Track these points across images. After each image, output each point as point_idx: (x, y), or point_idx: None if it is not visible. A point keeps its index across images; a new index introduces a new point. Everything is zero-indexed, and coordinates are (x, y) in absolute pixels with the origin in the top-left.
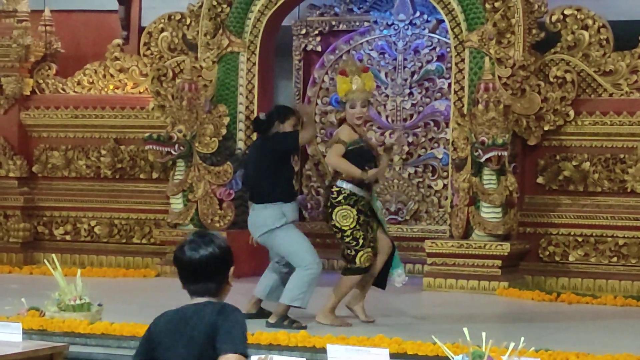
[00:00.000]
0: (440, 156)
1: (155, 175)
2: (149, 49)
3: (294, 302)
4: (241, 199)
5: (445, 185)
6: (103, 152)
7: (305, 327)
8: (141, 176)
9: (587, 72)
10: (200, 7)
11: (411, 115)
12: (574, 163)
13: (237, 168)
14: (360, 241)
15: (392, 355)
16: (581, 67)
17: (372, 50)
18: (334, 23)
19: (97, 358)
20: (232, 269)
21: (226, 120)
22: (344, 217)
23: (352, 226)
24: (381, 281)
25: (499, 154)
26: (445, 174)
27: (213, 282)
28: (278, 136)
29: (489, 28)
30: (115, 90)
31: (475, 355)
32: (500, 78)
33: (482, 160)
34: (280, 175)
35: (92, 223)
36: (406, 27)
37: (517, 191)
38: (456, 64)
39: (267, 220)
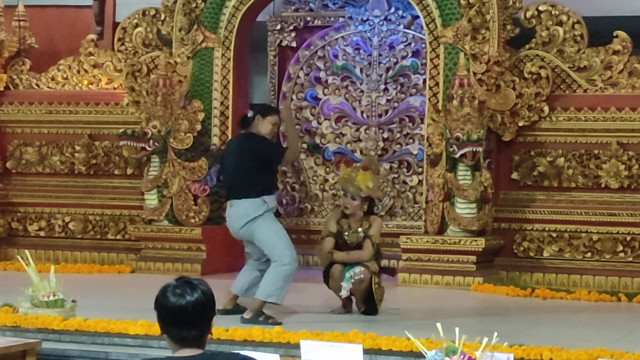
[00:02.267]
0: (415, 152)
1: (129, 171)
2: (123, 44)
3: (269, 298)
4: (216, 195)
5: (420, 181)
6: (77, 148)
7: (280, 323)
8: (116, 172)
9: (561, 68)
10: (175, 2)
11: (386, 111)
12: (549, 159)
13: (212, 164)
14: None
15: (366, 351)
16: (556, 63)
17: (347, 45)
18: (308, 19)
19: (71, 354)
20: (214, 318)
21: (201, 116)
22: None
23: None
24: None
25: (474, 149)
26: (420, 169)
27: (198, 329)
28: (265, 144)
29: (463, 24)
30: (90, 86)
31: (449, 350)
32: (475, 74)
33: (457, 156)
34: (261, 174)
35: (67, 219)
36: (381, 23)
37: (491, 187)
38: (431, 59)
39: (249, 210)
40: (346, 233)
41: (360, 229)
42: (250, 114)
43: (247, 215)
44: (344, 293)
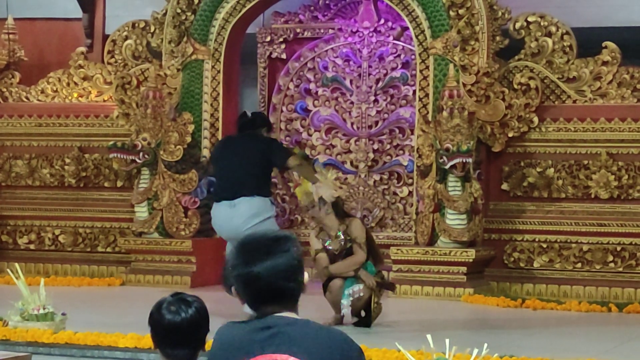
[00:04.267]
0: (405, 163)
1: (119, 184)
2: (113, 56)
3: None
4: (206, 207)
5: (410, 192)
6: (67, 160)
7: None
8: (106, 184)
9: (550, 79)
10: (165, 14)
11: (376, 122)
12: (538, 169)
13: (203, 176)
14: None
15: None
16: (545, 73)
17: (336, 57)
18: (298, 30)
19: None
20: (207, 334)
21: (191, 128)
22: None
23: None
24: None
25: (464, 160)
26: (410, 180)
27: (191, 346)
28: (274, 146)
29: (453, 35)
30: (79, 99)
31: None
32: (464, 85)
33: (447, 167)
34: (266, 174)
35: (57, 232)
36: (371, 35)
37: (481, 198)
38: (421, 71)
39: (261, 209)
40: (328, 242)
41: (339, 234)
42: (249, 114)
43: (258, 215)
44: (345, 312)
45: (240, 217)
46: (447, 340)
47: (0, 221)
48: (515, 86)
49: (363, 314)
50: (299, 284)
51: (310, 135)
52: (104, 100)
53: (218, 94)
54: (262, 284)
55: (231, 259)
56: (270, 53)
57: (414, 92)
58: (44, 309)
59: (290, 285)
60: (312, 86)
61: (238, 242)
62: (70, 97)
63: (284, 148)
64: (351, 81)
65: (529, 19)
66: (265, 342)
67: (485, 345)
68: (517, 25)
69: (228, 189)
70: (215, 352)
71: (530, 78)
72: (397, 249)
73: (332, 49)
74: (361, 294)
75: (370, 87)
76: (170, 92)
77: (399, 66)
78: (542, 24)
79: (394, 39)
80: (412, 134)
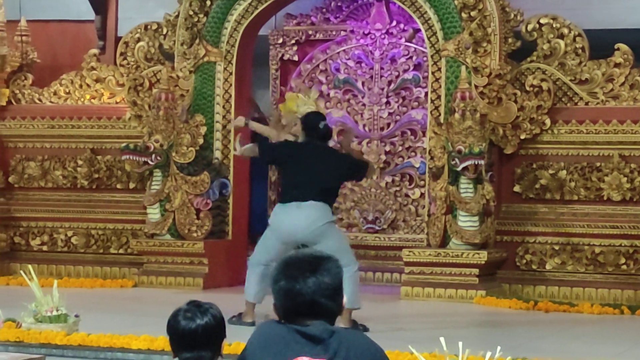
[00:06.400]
0: (417, 165)
1: (132, 185)
2: (125, 58)
3: (356, 304)
4: (218, 209)
5: (422, 194)
6: (80, 162)
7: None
8: (118, 186)
9: (563, 81)
10: (177, 16)
11: (388, 124)
12: (551, 171)
13: (215, 177)
14: None
15: None
16: (557, 75)
17: (348, 59)
18: (310, 32)
19: None
20: (224, 341)
21: (203, 130)
22: None
23: None
24: None
25: (476, 162)
26: (422, 182)
27: (208, 353)
28: (354, 160)
29: (465, 37)
30: (92, 100)
31: None
32: (476, 87)
33: (459, 169)
34: (339, 185)
35: (69, 233)
36: (383, 36)
37: (494, 200)
38: (433, 72)
39: (327, 213)
40: None
41: None
42: (322, 125)
43: (327, 217)
44: None
45: (301, 217)
46: (460, 343)
47: (13, 223)
48: (528, 88)
49: None
50: (338, 305)
51: None
52: (117, 102)
53: (230, 95)
54: (304, 300)
55: (274, 273)
56: (282, 55)
57: (426, 94)
58: (57, 310)
59: (330, 304)
60: (324, 88)
61: (282, 258)
62: (82, 99)
63: (364, 165)
64: (363, 83)
65: (541, 21)
66: (304, 345)
67: (499, 347)
68: (530, 27)
69: (297, 189)
70: (253, 347)
71: (542, 80)
72: (409, 251)
73: (344, 50)
74: None
75: (382, 89)
76: (182, 94)
77: (411, 68)
78: (554, 25)
79: (406, 40)
80: (424, 136)
